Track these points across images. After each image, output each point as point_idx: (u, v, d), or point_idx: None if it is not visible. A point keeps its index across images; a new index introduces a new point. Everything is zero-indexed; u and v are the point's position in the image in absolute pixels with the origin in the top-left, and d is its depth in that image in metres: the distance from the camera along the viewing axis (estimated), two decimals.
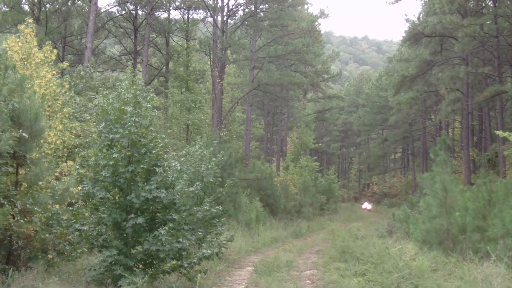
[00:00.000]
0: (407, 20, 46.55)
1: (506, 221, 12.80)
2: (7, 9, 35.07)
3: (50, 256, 11.45)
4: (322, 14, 53.22)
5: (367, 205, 65.33)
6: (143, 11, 42.29)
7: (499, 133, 21.63)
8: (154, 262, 11.71)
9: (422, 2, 49.26)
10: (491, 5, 37.38)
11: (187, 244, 11.65)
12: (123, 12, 44.55)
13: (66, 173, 14.70)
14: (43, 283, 9.94)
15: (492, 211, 14.46)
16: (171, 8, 45.21)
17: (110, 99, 11.98)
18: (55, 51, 17.94)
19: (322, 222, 39.91)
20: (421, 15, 47.20)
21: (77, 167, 11.97)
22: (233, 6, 43.77)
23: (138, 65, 40.88)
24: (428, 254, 13.85)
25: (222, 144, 30.58)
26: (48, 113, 15.93)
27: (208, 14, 43.98)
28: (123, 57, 49.97)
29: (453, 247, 14.26)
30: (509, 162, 34.81)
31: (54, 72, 17.11)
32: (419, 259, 12.71)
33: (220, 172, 20.90)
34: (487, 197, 15.83)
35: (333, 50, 68.18)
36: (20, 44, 16.32)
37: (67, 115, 16.76)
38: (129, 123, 11.36)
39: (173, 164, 12.95)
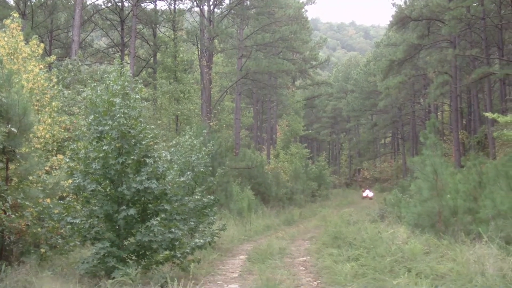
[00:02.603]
0: (393, 4, 46.95)
1: (497, 202, 12.85)
2: None
3: (42, 250, 11.44)
4: (309, 0, 53.25)
5: (368, 193, 58.55)
6: (129, 2, 42.04)
7: (488, 114, 21.72)
8: (147, 253, 11.74)
9: None
10: None
11: (180, 234, 11.66)
12: (109, 4, 44.31)
13: (57, 167, 14.67)
14: (36, 277, 9.91)
15: (483, 192, 14.50)
16: None
17: (99, 91, 11.95)
18: (42, 45, 17.81)
19: (314, 208, 40.01)
20: None
21: (67, 160, 11.96)
22: None
23: (126, 57, 40.75)
24: (420, 237, 13.89)
25: (212, 133, 30.59)
26: (36, 107, 15.86)
27: (195, 3, 43.92)
28: (110, 49, 49.80)
29: (445, 230, 14.30)
30: (499, 144, 34.90)
31: (41, 66, 17.01)
32: (412, 242, 12.75)
33: (211, 161, 20.93)
34: (478, 179, 15.89)
35: (321, 36, 68.32)
36: (6, 39, 16.20)
37: (55, 109, 16.68)
38: (118, 115, 11.35)
39: (164, 154, 12.99)
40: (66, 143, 15.72)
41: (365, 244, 14.25)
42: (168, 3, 46.63)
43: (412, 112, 64.61)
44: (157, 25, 46.13)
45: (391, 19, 47.30)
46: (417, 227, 15.17)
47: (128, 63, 36.09)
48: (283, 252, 16.91)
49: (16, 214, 10.97)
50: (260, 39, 42.16)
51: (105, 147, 11.17)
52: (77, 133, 12.55)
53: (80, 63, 25.11)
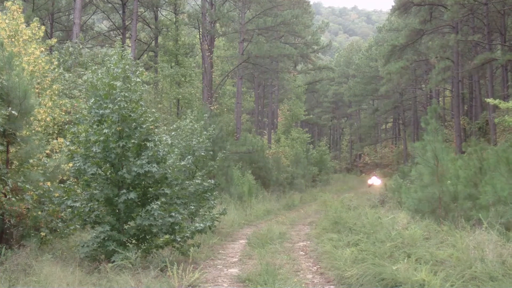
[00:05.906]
0: None
1: (497, 188, 12.83)
2: None
3: (42, 233, 11.45)
4: None
5: (375, 180, 49.98)
6: None
7: (490, 100, 21.61)
8: (147, 237, 11.76)
9: None
10: None
11: (180, 218, 11.67)
12: None
13: (57, 150, 14.67)
14: (36, 261, 9.93)
15: (484, 178, 14.48)
16: None
17: (99, 74, 11.92)
18: (42, 27, 17.75)
19: (314, 193, 40.04)
20: None
21: (68, 143, 11.95)
22: None
23: (127, 40, 40.66)
24: (420, 222, 13.88)
25: (213, 117, 30.54)
26: (37, 90, 15.84)
27: None
28: (111, 32, 49.65)
29: (445, 215, 14.30)
30: (500, 130, 34.83)
31: (42, 49, 16.99)
32: (412, 228, 12.74)
33: (212, 145, 20.90)
34: (478, 165, 15.88)
35: (323, 21, 67.97)
36: (7, 21, 16.14)
37: (56, 92, 16.67)
38: (119, 98, 11.34)
39: (164, 138, 12.96)
40: (66, 126, 15.63)
41: (365, 230, 14.25)
42: None
43: (414, 98, 64.37)
44: (159, 8, 46.02)
45: (393, 4, 47.08)
46: (417, 212, 15.17)
47: (129, 46, 36.01)
48: (283, 236, 16.95)
49: (17, 197, 10.96)
50: (262, 23, 41.91)
51: (105, 131, 11.16)
52: (77, 116, 12.50)
53: (81, 46, 25.02)
